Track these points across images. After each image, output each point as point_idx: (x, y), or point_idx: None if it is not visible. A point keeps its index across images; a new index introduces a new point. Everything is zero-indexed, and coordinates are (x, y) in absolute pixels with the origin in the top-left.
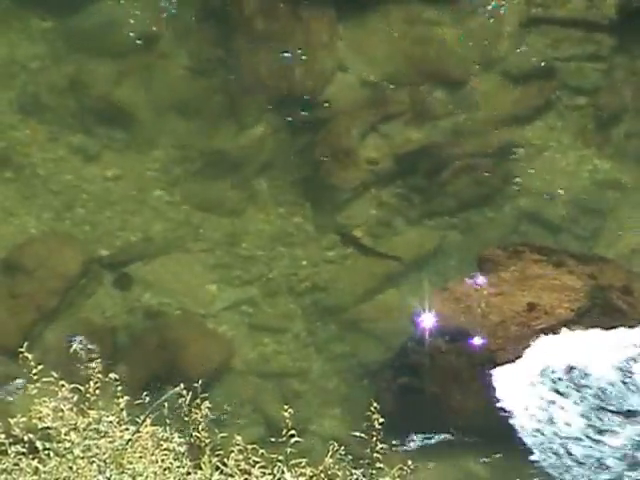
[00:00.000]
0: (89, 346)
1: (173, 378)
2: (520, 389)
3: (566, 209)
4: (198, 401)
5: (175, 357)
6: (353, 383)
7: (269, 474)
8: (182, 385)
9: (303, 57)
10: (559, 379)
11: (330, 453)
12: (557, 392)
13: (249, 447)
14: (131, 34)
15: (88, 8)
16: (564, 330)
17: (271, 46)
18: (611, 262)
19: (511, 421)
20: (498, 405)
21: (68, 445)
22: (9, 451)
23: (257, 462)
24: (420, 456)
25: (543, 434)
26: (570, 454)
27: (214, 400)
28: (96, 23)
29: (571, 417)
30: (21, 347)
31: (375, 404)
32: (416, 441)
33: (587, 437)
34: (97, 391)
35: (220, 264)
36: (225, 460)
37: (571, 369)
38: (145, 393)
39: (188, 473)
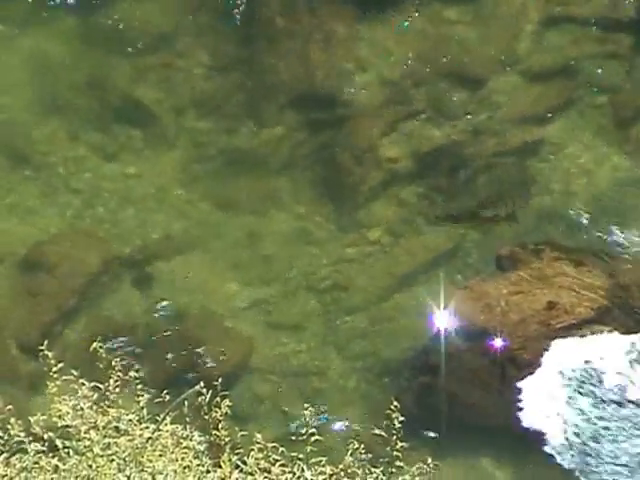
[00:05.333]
0: (109, 344)
1: (193, 376)
2: (540, 389)
3: (586, 207)
4: (218, 399)
5: (195, 355)
6: (373, 382)
7: (289, 472)
8: (202, 383)
9: (323, 56)
10: (578, 379)
11: (350, 451)
12: (576, 391)
13: (269, 445)
14: (150, 32)
15: (108, 7)
16: (584, 329)
17: (291, 45)
18: (631, 261)
19: (530, 421)
20: (517, 405)
21: (88, 443)
22: (29, 449)
23: (277, 460)
24: (439, 455)
25: (563, 434)
26: (591, 455)
27: (234, 398)
28: (116, 22)
29: (590, 417)
30: (41, 345)
31: (395, 403)
32: (435, 440)
33: (606, 436)
34: (117, 389)
35: (240, 263)
36: (245, 458)
37: (590, 368)
38: (165, 391)
39: (208, 471)
